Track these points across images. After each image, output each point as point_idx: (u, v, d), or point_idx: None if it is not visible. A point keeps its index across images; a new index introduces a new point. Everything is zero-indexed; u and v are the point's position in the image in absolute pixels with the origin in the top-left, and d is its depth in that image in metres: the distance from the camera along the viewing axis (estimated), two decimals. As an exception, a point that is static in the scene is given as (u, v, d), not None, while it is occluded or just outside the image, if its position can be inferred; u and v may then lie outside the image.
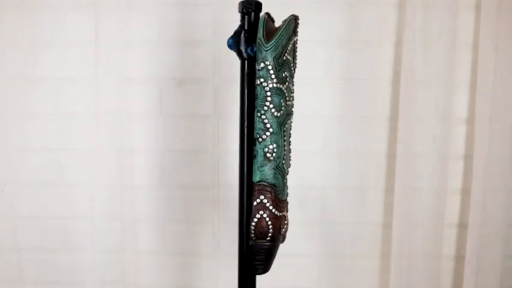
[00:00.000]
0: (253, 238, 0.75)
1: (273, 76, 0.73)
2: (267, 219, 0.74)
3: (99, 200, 1.23)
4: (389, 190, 1.20)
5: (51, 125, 1.22)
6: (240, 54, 0.78)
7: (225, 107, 1.19)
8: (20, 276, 1.27)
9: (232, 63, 1.15)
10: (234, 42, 0.77)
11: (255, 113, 0.73)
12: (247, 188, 0.81)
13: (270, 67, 0.72)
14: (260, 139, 0.74)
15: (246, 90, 0.79)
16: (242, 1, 0.80)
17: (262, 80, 0.72)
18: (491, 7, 1.10)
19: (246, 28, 0.78)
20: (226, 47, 0.78)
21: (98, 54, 1.18)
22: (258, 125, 0.74)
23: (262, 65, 0.72)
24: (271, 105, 0.73)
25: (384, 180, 1.20)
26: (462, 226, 1.21)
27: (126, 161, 1.21)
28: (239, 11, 0.80)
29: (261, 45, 0.72)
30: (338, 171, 1.21)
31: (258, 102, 0.73)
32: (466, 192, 1.20)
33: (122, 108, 1.19)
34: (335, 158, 1.20)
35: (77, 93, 1.21)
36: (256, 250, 0.77)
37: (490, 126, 1.12)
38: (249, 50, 0.77)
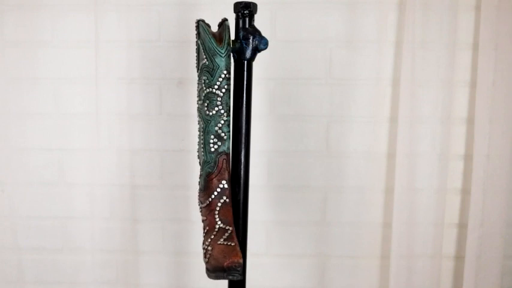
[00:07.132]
0: None
1: None
2: None
3: (99, 200, 1.23)
4: (389, 190, 1.20)
5: (51, 125, 1.22)
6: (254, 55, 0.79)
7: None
8: (20, 276, 1.27)
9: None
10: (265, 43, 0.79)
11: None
12: (244, 188, 0.82)
13: None
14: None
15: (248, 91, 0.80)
16: (238, 2, 0.80)
17: None
18: (491, 7, 1.10)
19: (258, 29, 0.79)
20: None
21: (98, 54, 1.17)
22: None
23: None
24: None
25: (384, 180, 1.20)
26: (462, 226, 1.21)
27: (126, 161, 1.21)
28: (235, 11, 0.80)
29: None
30: (338, 171, 1.21)
31: None
32: (466, 192, 1.20)
33: (122, 108, 1.20)
34: (335, 158, 1.20)
35: (77, 93, 1.21)
36: None
37: (490, 126, 1.12)
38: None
